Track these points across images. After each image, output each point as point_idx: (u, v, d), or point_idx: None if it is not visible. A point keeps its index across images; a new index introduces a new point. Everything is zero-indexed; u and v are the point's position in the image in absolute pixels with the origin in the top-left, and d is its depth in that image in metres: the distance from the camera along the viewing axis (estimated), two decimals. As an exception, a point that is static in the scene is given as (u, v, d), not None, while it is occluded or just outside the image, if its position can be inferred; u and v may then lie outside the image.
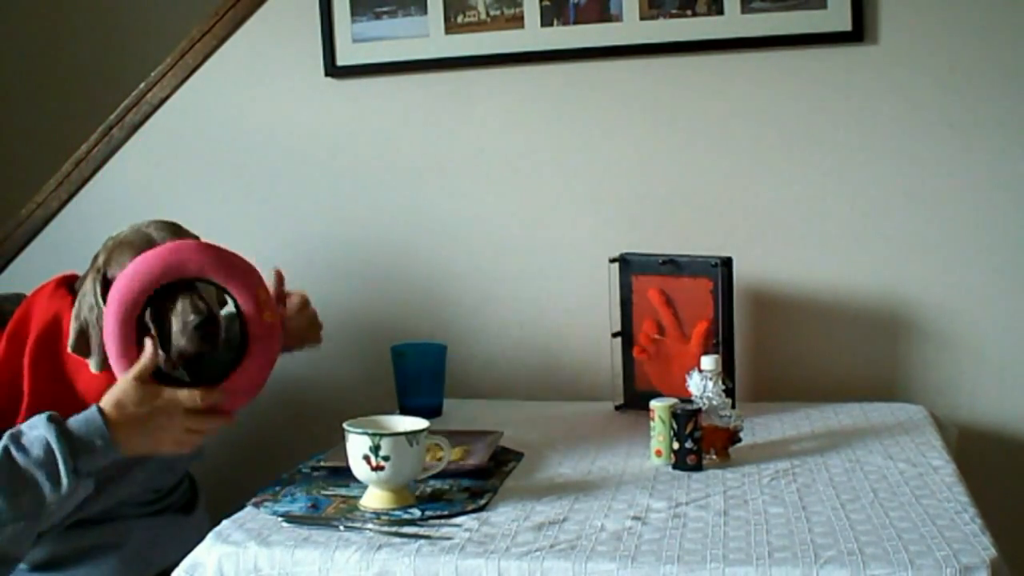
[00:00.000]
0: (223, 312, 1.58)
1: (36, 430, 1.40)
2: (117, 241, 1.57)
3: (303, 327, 1.78)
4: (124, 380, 1.44)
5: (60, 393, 1.51)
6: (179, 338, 1.48)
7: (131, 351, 1.46)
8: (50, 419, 1.41)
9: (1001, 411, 2.02)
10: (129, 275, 1.47)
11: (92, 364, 1.51)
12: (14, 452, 1.39)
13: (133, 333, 1.47)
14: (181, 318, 1.48)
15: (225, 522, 1.42)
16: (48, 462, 1.38)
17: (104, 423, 1.41)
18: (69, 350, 1.51)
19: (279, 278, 1.73)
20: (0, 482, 1.38)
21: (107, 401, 1.43)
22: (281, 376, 2.21)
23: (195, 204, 2.28)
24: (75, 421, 1.41)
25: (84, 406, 1.46)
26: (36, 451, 1.38)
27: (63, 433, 1.39)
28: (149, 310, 1.49)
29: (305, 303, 1.79)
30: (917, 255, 2.02)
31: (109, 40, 3.07)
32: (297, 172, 2.24)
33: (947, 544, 1.25)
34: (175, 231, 1.60)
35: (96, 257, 1.57)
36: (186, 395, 1.46)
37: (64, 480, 1.38)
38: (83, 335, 1.52)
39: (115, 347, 1.46)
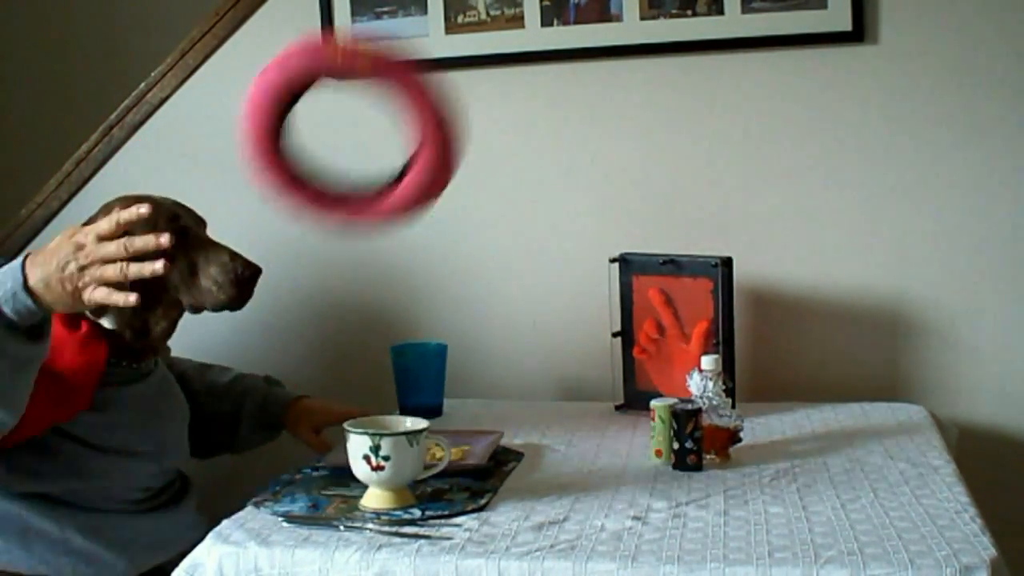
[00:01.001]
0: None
1: None
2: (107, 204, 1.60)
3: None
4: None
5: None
6: (217, 290, 1.54)
7: (269, 155, 1.46)
8: None
9: (1001, 411, 2.02)
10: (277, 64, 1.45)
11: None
12: None
13: (273, 133, 1.46)
14: (230, 267, 1.55)
15: (225, 522, 1.42)
16: None
17: (19, 282, 1.33)
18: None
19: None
20: None
21: (31, 261, 1.35)
22: (282, 376, 2.22)
23: (195, 204, 2.27)
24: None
25: (63, 383, 1.46)
26: None
27: None
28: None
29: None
30: (917, 255, 2.02)
31: (109, 40, 3.07)
32: (297, 172, 2.23)
33: (947, 544, 1.25)
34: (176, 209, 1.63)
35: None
36: (106, 225, 1.35)
37: None
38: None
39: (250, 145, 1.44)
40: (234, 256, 1.60)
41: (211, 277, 1.56)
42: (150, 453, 1.63)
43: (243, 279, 1.57)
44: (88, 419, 1.54)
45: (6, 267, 1.36)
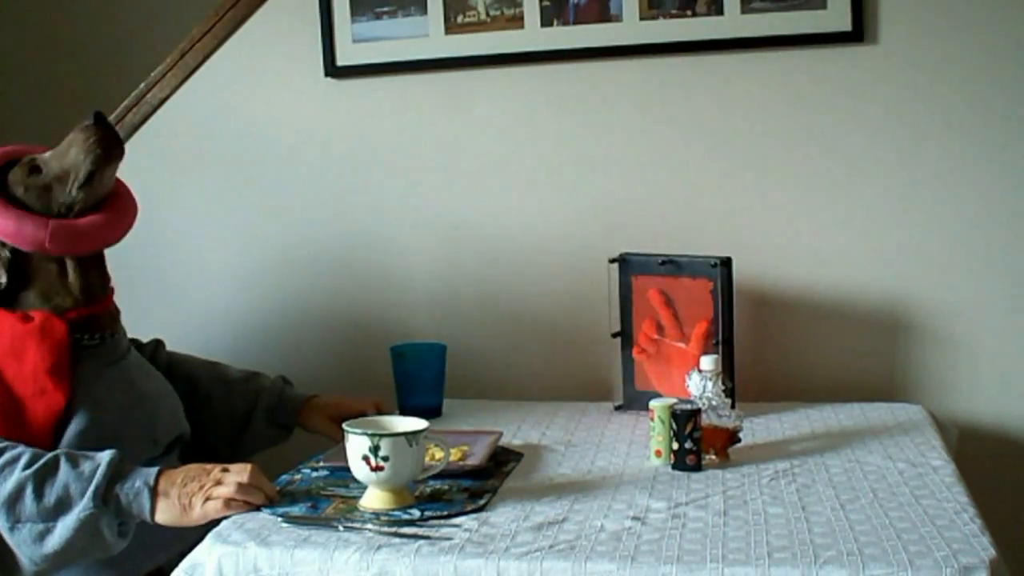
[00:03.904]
0: None
1: (98, 457, 1.46)
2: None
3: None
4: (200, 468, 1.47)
5: None
6: (84, 163, 1.58)
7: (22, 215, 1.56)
8: (114, 455, 1.46)
9: (1001, 411, 2.02)
10: None
11: None
12: (63, 461, 1.45)
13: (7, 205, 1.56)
14: (83, 134, 1.60)
15: (225, 522, 1.42)
16: (88, 477, 1.42)
17: (150, 485, 1.44)
18: None
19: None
20: (36, 479, 1.42)
21: (166, 473, 1.47)
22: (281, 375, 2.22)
23: (195, 204, 2.28)
24: (132, 468, 1.46)
25: (37, 378, 1.51)
26: (85, 467, 1.44)
27: (117, 462, 1.44)
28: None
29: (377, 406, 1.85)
30: (917, 255, 2.02)
31: (109, 40, 3.07)
32: (297, 172, 2.24)
33: (947, 544, 1.25)
34: None
35: None
36: (237, 470, 1.46)
37: (89, 493, 1.41)
38: None
39: (16, 225, 1.55)
40: (78, 135, 1.61)
41: (74, 161, 1.60)
42: (142, 434, 1.64)
43: (93, 128, 1.60)
44: (78, 420, 1.55)
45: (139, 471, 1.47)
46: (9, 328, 1.55)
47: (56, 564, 1.47)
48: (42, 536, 1.44)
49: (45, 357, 1.51)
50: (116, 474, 1.44)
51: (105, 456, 1.45)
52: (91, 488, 1.42)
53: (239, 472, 1.44)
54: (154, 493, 1.44)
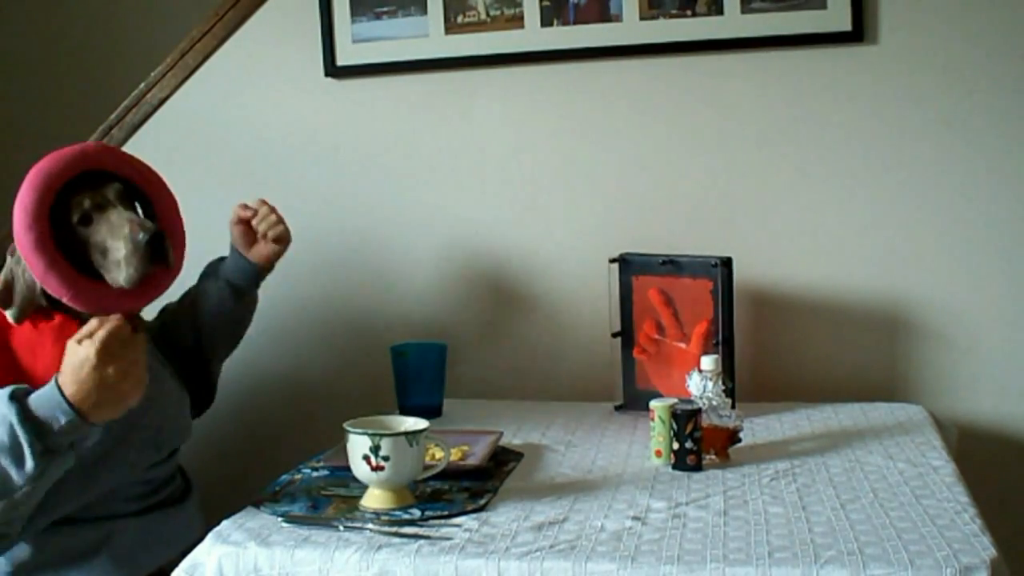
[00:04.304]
0: None
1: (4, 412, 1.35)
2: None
3: (276, 219, 1.80)
4: (75, 354, 1.36)
5: (18, 380, 1.49)
6: (130, 261, 1.45)
7: (59, 267, 1.43)
8: (12, 397, 1.36)
9: (1001, 411, 2.02)
10: (31, 175, 1.46)
11: (9, 315, 1.51)
12: None
13: (53, 249, 1.43)
14: (130, 241, 1.45)
15: (225, 522, 1.42)
16: (13, 446, 1.34)
17: (63, 398, 1.34)
18: None
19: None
20: None
21: (64, 373, 1.36)
22: (282, 376, 2.22)
23: (195, 204, 2.26)
24: (36, 399, 1.36)
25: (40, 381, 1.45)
26: (0, 434, 1.34)
27: (25, 414, 1.34)
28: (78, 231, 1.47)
29: (264, 202, 1.81)
30: (917, 255, 2.02)
31: (109, 40, 3.08)
32: (297, 172, 2.24)
33: (947, 544, 1.25)
34: None
35: None
36: (117, 324, 1.36)
37: (30, 463, 1.33)
38: (8, 286, 1.51)
39: (45, 274, 1.43)
40: (129, 221, 1.48)
41: (124, 256, 1.47)
42: (148, 437, 1.63)
43: (143, 243, 1.46)
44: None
45: (48, 403, 1.36)
46: (29, 324, 1.54)
47: (33, 500, 1.42)
48: (4, 511, 1.38)
49: (58, 357, 1.51)
50: (37, 428, 1.35)
51: (11, 414, 1.34)
52: (27, 460, 1.33)
53: (97, 335, 1.34)
54: (84, 417, 1.35)
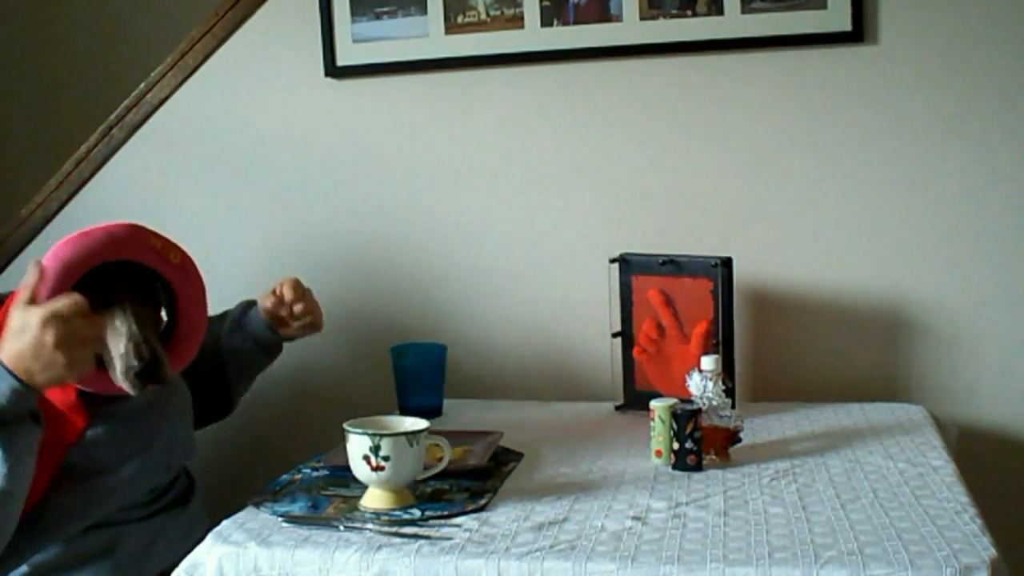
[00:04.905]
0: None
1: None
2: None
3: (309, 310, 1.80)
4: (23, 317, 1.34)
5: None
6: (121, 379, 1.45)
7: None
8: None
9: (1001, 411, 2.02)
10: (51, 262, 1.44)
11: None
12: None
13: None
14: (124, 361, 1.44)
15: (225, 522, 1.42)
16: None
17: (4, 369, 1.33)
18: None
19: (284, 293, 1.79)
20: None
21: (4, 339, 1.35)
22: (281, 376, 2.22)
23: (195, 204, 2.28)
24: None
25: (57, 414, 1.46)
26: None
27: None
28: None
29: (298, 285, 1.80)
30: (917, 255, 2.02)
31: (109, 40, 3.07)
32: (297, 172, 2.24)
33: (947, 544, 1.25)
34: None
35: None
36: (67, 303, 1.34)
37: None
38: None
39: None
40: (134, 346, 1.45)
41: (118, 371, 1.46)
42: (158, 454, 1.63)
43: (133, 373, 1.44)
44: (93, 436, 1.54)
45: None
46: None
47: (18, 495, 1.41)
48: None
49: (67, 390, 1.51)
50: None
51: None
52: None
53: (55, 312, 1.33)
54: (26, 384, 1.33)
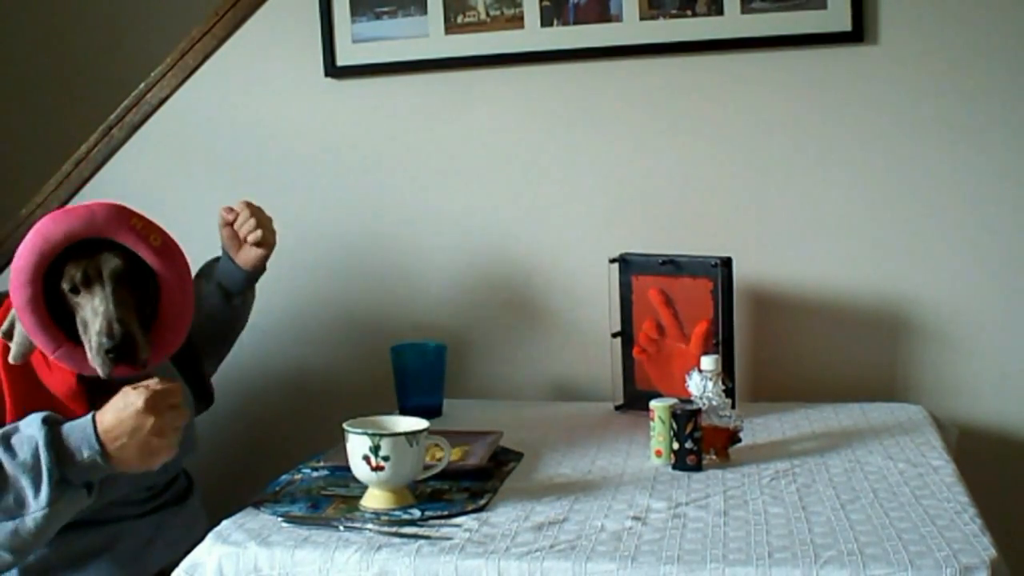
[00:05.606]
0: None
1: (29, 429, 1.39)
2: None
3: (261, 224, 1.79)
4: (125, 397, 1.40)
5: (35, 393, 1.50)
6: (93, 356, 1.45)
7: (47, 329, 1.45)
8: (45, 420, 1.38)
9: (1001, 411, 2.02)
10: (32, 234, 1.46)
11: (10, 357, 1.49)
12: (1, 451, 1.38)
13: (43, 312, 1.44)
14: (97, 339, 1.44)
15: (225, 522, 1.42)
16: (34, 466, 1.36)
17: (95, 432, 1.38)
18: (0, 336, 1.50)
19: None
20: None
21: (105, 411, 1.40)
22: (282, 376, 2.22)
23: (195, 204, 2.28)
24: (69, 427, 1.39)
25: (59, 405, 1.46)
26: (24, 454, 1.37)
27: (53, 439, 1.37)
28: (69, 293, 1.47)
29: (247, 203, 1.80)
30: (917, 255, 2.02)
31: (109, 40, 3.07)
32: (297, 172, 2.24)
33: (947, 544, 1.25)
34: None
35: None
36: (173, 387, 1.42)
37: (45, 488, 1.36)
38: (11, 327, 1.51)
39: (33, 331, 1.45)
40: (107, 323, 1.45)
41: (91, 350, 1.46)
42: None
43: (104, 349, 1.44)
44: None
45: (78, 434, 1.40)
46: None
47: (37, 544, 1.44)
48: (15, 532, 1.39)
49: (67, 378, 1.51)
50: (60, 455, 1.38)
51: (39, 435, 1.37)
52: (43, 484, 1.36)
53: (160, 406, 1.40)
54: (107, 458, 1.39)
